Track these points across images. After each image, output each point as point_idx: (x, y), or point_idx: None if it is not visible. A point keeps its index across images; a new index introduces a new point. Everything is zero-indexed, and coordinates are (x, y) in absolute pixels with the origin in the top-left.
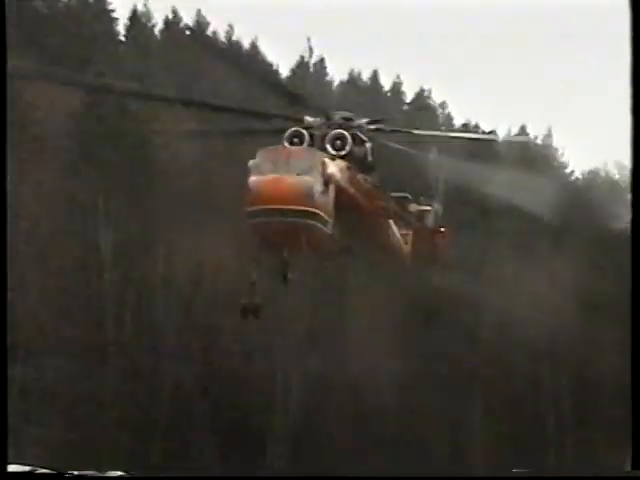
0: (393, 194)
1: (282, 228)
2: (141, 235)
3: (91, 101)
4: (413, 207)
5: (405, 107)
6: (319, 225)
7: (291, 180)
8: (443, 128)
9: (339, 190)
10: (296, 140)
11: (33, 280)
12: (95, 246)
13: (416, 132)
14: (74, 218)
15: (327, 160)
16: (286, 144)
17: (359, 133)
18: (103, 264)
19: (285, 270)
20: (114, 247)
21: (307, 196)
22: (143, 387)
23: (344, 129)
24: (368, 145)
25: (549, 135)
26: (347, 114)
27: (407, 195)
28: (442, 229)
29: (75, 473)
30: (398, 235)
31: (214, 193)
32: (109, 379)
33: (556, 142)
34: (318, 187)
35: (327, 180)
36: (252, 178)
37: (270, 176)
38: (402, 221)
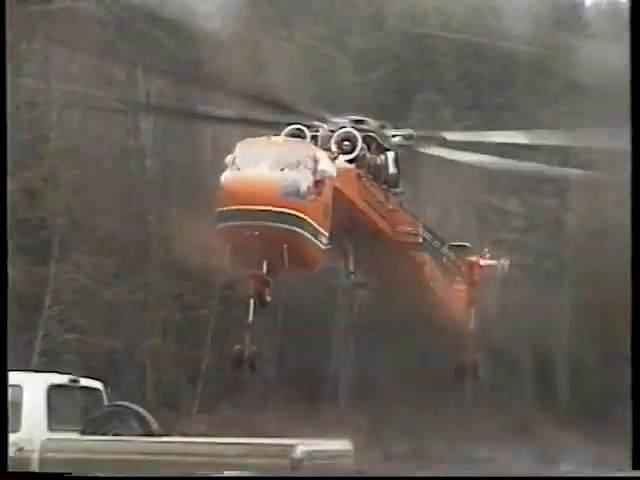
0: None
1: (257, 234)
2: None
3: None
4: (472, 260)
5: None
6: (306, 234)
7: (270, 176)
8: None
9: (340, 197)
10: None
11: (67, 171)
12: (136, 128)
13: (450, 137)
14: (111, 99)
15: (320, 154)
16: None
17: (378, 139)
18: (144, 150)
19: (262, 290)
20: (155, 131)
21: (289, 196)
22: (191, 286)
23: (361, 132)
24: (390, 154)
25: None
26: (369, 119)
27: (466, 244)
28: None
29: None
30: (443, 283)
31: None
32: (152, 277)
33: None
34: (305, 186)
35: (320, 179)
36: (225, 173)
37: (246, 172)
38: (435, 254)
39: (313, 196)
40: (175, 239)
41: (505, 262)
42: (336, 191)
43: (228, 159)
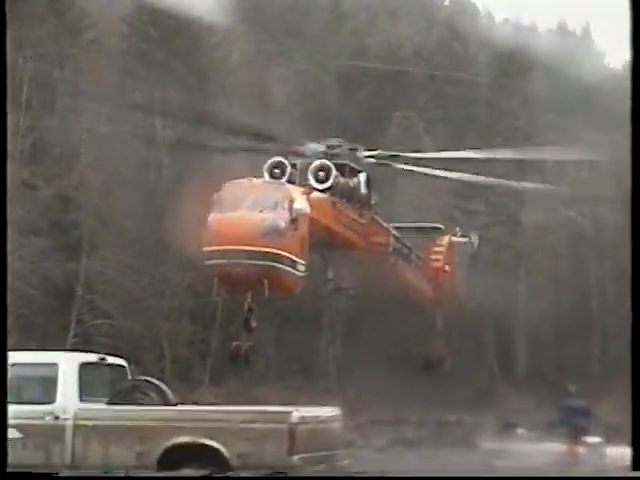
0: (422, 224)
1: (240, 271)
2: (196, 131)
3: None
4: (444, 239)
5: (446, 3)
6: (284, 267)
7: (250, 218)
8: (484, 22)
9: (317, 226)
10: (277, 171)
11: (94, 179)
12: (153, 143)
13: (416, 155)
14: (131, 117)
15: (296, 195)
16: (266, 174)
17: (351, 163)
18: (162, 160)
19: (249, 316)
20: (171, 144)
21: (267, 235)
22: (201, 277)
23: (335, 157)
24: (362, 176)
25: (587, 29)
26: (341, 142)
27: (437, 225)
28: (447, 267)
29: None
30: (413, 280)
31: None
32: (169, 270)
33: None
34: (282, 225)
35: (296, 217)
36: (211, 216)
37: (229, 214)
38: (405, 259)
39: (290, 232)
40: (187, 237)
41: (475, 238)
42: (312, 221)
43: (215, 198)
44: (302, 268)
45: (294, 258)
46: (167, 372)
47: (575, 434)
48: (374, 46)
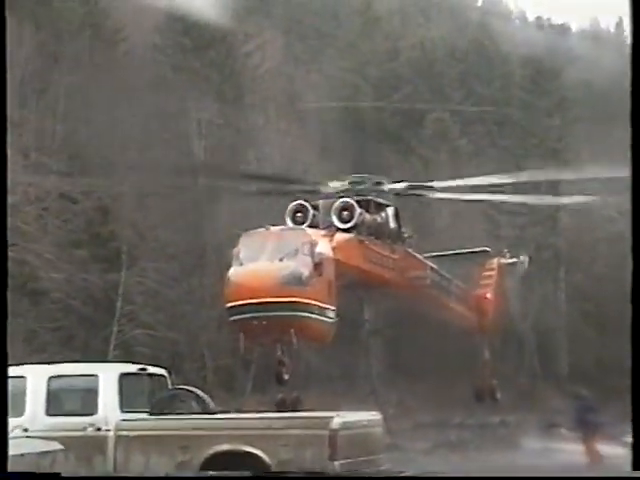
0: (468, 250)
1: (266, 325)
2: (233, 139)
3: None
4: (493, 263)
5: (478, 3)
6: (312, 315)
7: (270, 268)
8: (517, 22)
9: (344, 268)
10: (299, 215)
11: (130, 189)
12: (188, 152)
13: (439, 185)
14: (167, 127)
15: (317, 238)
16: (288, 220)
17: (376, 198)
18: (197, 169)
19: (280, 370)
20: (206, 152)
21: (290, 284)
22: None
23: (358, 195)
24: (390, 210)
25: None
26: (364, 177)
27: (484, 249)
28: (488, 295)
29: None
30: (453, 307)
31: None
32: (206, 280)
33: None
34: (305, 272)
35: (319, 262)
36: (230, 270)
37: (248, 266)
38: (444, 290)
39: (314, 279)
40: (225, 246)
41: (525, 258)
42: (339, 264)
43: (234, 252)
44: (331, 314)
45: (321, 305)
46: (209, 381)
47: (592, 432)
48: (407, 49)
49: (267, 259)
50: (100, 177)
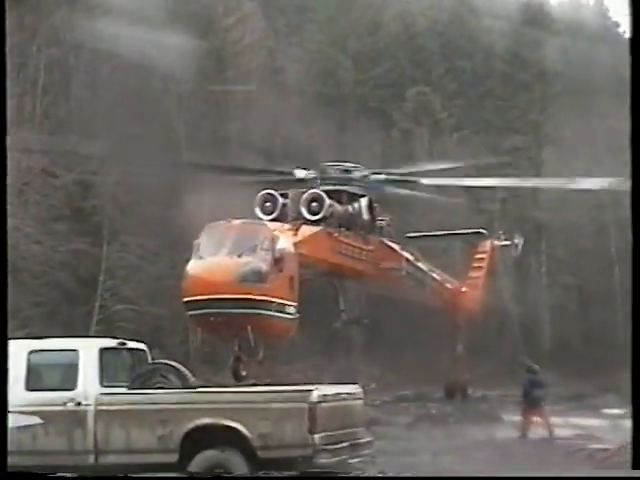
0: (464, 231)
1: (222, 321)
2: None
3: None
4: (487, 245)
5: None
6: (269, 312)
7: (228, 264)
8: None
9: (310, 261)
10: (268, 205)
11: (112, 165)
12: (169, 127)
13: (425, 182)
14: (148, 102)
15: (279, 233)
16: (257, 209)
17: (348, 189)
18: (180, 145)
19: (237, 366)
20: (187, 127)
21: (247, 281)
22: None
23: (337, 184)
24: (363, 201)
25: None
26: (344, 166)
27: (480, 230)
28: (463, 288)
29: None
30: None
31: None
32: (189, 254)
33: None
34: (264, 268)
35: (280, 257)
36: (190, 262)
37: (207, 260)
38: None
39: (274, 275)
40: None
41: (519, 241)
42: (304, 258)
43: (195, 244)
44: (292, 310)
45: (280, 301)
46: (191, 355)
47: (534, 406)
48: (387, 22)
49: (226, 254)
50: (81, 152)
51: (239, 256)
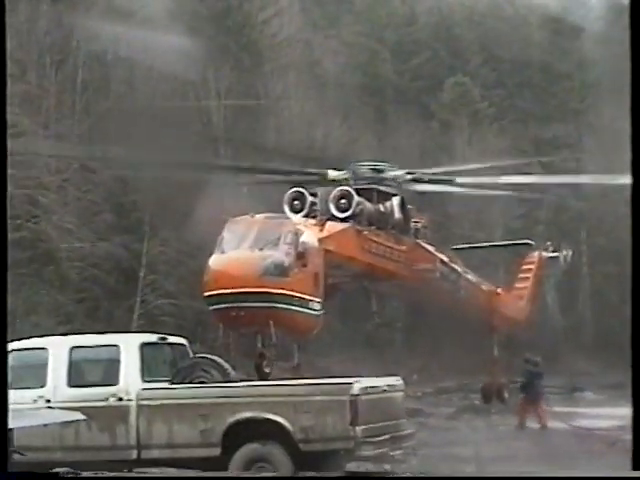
0: (509, 242)
1: (243, 315)
2: (252, 108)
3: None
4: (534, 256)
5: None
6: (291, 307)
7: (250, 257)
8: None
9: (336, 259)
10: (297, 203)
11: (150, 160)
12: (208, 119)
13: (460, 180)
14: (186, 96)
15: (303, 228)
16: (286, 207)
17: (381, 187)
18: (218, 139)
19: (260, 362)
20: (225, 120)
21: (269, 275)
22: None
23: (370, 183)
24: (395, 200)
25: None
26: (376, 165)
27: (526, 241)
28: (499, 291)
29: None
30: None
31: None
32: None
33: None
34: (286, 262)
35: (303, 252)
36: (212, 257)
37: (228, 254)
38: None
39: (296, 270)
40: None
41: (568, 252)
42: (329, 254)
43: (218, 239)
44: (316, 306)
45: (303, 296)
46: (232, 349)
47: (534, 399)
48: (424, 13)
49: (248, 247)
50: (120, 147)
51: (261, 250)
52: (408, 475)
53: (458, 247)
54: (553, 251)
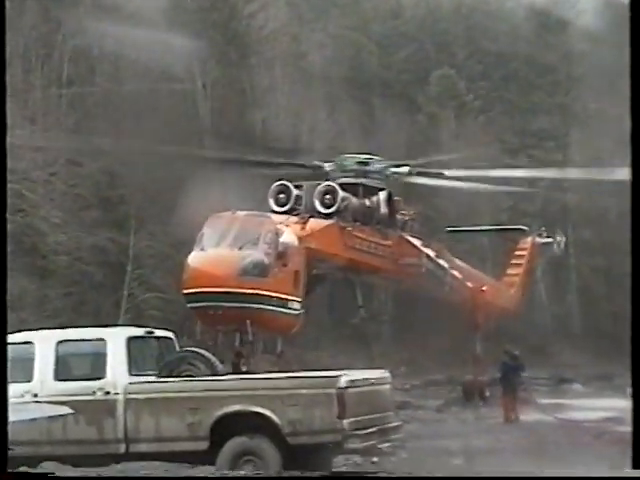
0: (503, 227)
1: (222, 314)
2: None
3: None
4: (527, 242)
5: None
6: (269, 307)
7: (229, 256)
8: None
9: (319, 256)
10: (282, 196)
11: (137, 153)
12: (195, 112)
13: (448, 174)
14: (172, 90)
15: (283, 226)
16: (271, 201)
17: (367, 182)
18: (204, 132)
19: (237, 361)
20: (212, 115)
21: (247, 274)
22: None
23: (356, 176)
24: (382, 195)
25: None
26: (363, 157)
27: (520, 227)
28: (483, 287)
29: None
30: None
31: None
32: None
33: None
34: (265, 261)
35: (284, 251)
36: (192, 253)
37: (208, 252)
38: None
39: (276, 269)
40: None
41: (562, 239)
42: (312, 252)
43: (198, 235)
44: (296, 305)
45: (283, 296)
46: (219, 342)
47: (512, 392)
48: (411, 6)
49: (228, 246)
50: (107, 141)
51: (240, 249)
52: (407, 475)
53: (453, 229)
54: (547, 237)
